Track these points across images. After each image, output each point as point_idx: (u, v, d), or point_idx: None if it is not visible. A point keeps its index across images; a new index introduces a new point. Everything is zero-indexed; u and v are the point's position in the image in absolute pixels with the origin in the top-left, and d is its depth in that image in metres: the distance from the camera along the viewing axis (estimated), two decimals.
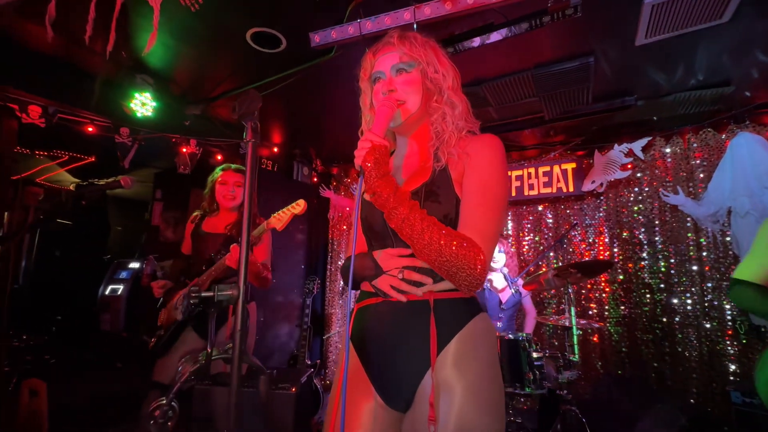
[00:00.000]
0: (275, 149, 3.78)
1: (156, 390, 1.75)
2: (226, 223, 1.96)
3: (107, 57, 1.22)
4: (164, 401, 0.71)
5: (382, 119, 0.84)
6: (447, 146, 0.87)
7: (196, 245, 1.97)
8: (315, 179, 4.34)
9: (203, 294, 0.64)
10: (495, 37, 1.77)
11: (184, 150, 3.11)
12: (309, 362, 2.74)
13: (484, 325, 0.83)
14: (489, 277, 2.73)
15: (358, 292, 0.95)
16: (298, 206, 1.76)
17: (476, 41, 1.80)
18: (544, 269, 2.20)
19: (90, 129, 2.52)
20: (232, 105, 0.63)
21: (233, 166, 2.02)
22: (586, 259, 3.20)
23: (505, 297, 2.65)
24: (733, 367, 2.66)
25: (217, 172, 2.01)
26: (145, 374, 1.88)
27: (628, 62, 2.27)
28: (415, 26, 1.75)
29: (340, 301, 4.16)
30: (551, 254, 3.34)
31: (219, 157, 3.44)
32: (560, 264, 3.19)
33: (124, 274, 5.02)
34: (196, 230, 1.99)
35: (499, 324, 2.59)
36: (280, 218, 1.73)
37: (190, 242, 2.02)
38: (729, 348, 2.68)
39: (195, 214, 2.05)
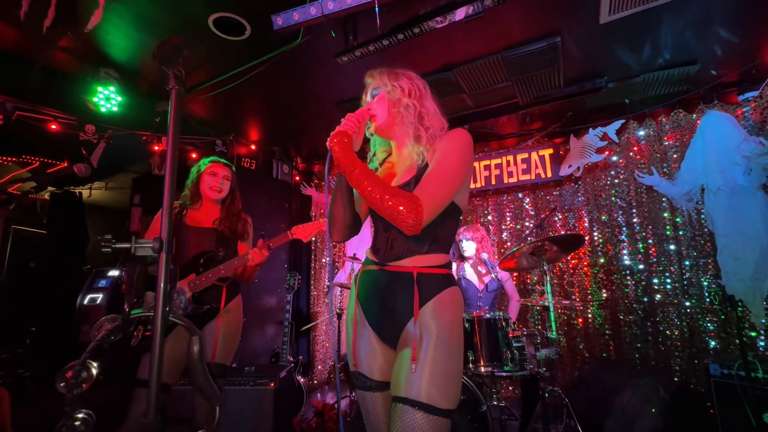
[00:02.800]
0: (253, 146, 3.73)
1: (143, 388, 1.67)
2: (212, 218, 1.90)
3: (44, 32, 1.16)
4: (76, 365, 0.66)
5: (347, 121, 1.10)
6: (422, 145, 1.10)
7: (183, 240, 1.87)
8: (297, 178, 4.30)
9: (118, 245, 0.60)
10: (459, 14, 1.77)
11: (156, 148, 3.04)
12: (291, 359, 2.68)
13: (456, 294, 1.09)
14: (463, 267, 2.72)
15: (341, 291, 1.07)
16: (324, 225, 1.84)
17: (440, 20, 1.79)
18: (518, 245, 2.22)
19: (53, 126, 2.44)
20: (152, 50, 0.60)
21: (221, 159, 1.98)
22: (571, 256, 3.22)
23: (487, 281, 2.63)
24: (713, 343, 2.68)
25: (205, 163, 1.94)
26: (128, 381, 1.79)
27: (595, 41, 2.29)
28: (377, 8, 1.73)
29: (326, 300, 4.11)
30: (531, 240, 3.34)
31: (194, 155, 3.37)
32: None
33: (103, 283, 4.87)
34: (178, 224, 1.89)
35: (479, 303, 2.56)
36: (305, 230, 1.88)
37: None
38: (709, 324, 2.70)
39: (174, 205, 1.93)
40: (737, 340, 2.33)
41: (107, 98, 2.33)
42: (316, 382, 3.86)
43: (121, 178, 5.17)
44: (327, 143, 1.04)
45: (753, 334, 2.56)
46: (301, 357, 3.11)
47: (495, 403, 2.05)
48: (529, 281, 3.39)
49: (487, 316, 1.80)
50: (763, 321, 2.52)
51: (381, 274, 1.11)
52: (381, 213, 0.99)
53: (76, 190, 5.32)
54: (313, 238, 4.31)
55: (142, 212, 4.48)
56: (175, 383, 1.74)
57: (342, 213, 1.16)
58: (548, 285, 1.91)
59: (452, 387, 0.97)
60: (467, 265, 2.69)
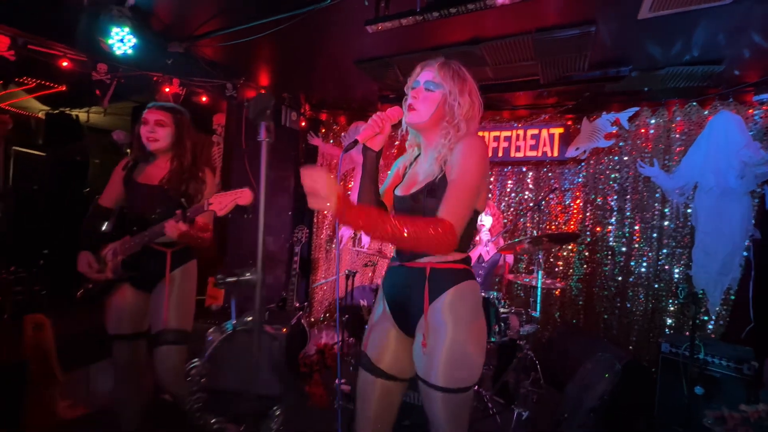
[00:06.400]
0: (262, 92, 3.63)
1: (118, 341, 1.73)
2: (160, 174, 1.72)
3: None
4: (198, 361, 0.85)
5: (372, 121, 1.13)
6: (446, 154, 1.13)
7: (129, 197, 1.75)
8: (303, 124, 4.25)
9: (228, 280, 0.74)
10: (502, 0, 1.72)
11: (167, 89, 2.97)
12: (297, 305, 2.96)
13: (472, 286, 1.18)
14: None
15: (344, 236, 1.18)
16: (243, 197, 1.54)
17: (482, 4, 1.75)
18: (520, 238, 2.42)
19: (65, 63, 2.36)
20: (245, 105, 0.67)
21: (159, 103, 1.77)
22: (560, 230, 3.43)
23: (488, 254, 2.84)
24: (669, 321, 3.06)
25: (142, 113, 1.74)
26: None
27: (628, 34, 2.25)
28: None
29: (327, 247, 4.35)
30: (528, 215, 3.54)
31: (204, 99, 3.30)
32: (535, 225, 3.42)
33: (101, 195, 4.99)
34: (128, 179, 1.74)
35: (478, 279, 2.82)
36: (221, 202, 1.54)
37: (116, 192, 1.78)
38: (670, 306, 3.05)
39: (126, 159, 1.80)
40: (691, 324, 2.68)
41: (122, 39, 2.24)
42: (313, 320, 4.26)
43: (120, 104, 5.00)
44: (329, 211, 0.99)
45: (705, 318, 2.93)
46: (306, 303, 3.42)
47: None
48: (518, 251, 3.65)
49: (483, 294, 2.04)
50: (717, 309, 2.87)
51: (401, 270, 1.21)
52: (416, 247, 1.08)
53: (73, 113, 5.15)
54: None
55: None
56: (146, 331, 1.77)
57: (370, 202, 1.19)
58: (539, 272, 2.14)
59: (468, 370, 1.10)
60: (483, 231, 2.87)
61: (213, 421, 1.63)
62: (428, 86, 1.15)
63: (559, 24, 2.17)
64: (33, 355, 2.14)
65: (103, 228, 1.82)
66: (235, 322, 1.03)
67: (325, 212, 1.01)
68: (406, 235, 0.99)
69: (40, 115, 5.28)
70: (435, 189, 1.12)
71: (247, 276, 0.73)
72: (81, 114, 5.28)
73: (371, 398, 1.21)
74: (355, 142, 1.10)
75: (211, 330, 1.09)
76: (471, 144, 1.10)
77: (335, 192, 0.92)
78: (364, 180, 1.20)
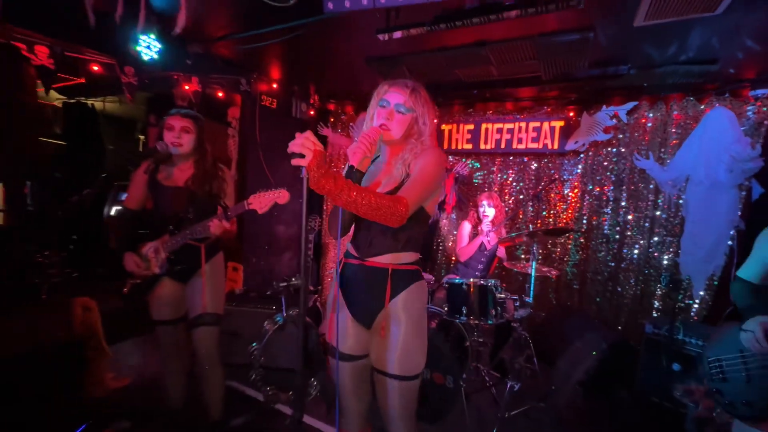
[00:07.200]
0: (275, 85, 3.77)
1: (160, 326, 1.95)
2: (186, 175, 1.87)
3: None
4: (257, 345, 1.08)
5: (361, 144, 1.21)
6: (411, 161, 1.29)
7: (157, 199, 1.88)
8: (312, 113, 4.40)
9: None
10: (509, 15, 1.85)
11: (187, 87, 3.13)
12: (312, 288, 3.22)
13: (422, 287, 1.36)
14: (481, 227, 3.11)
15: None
16: (282, 197, 1.71)
17: (486, 18, 1.88)
18: (520, 232, 2.63)
19: (95, 68, 2.53)
20: (269, 161, 0.85)
21: (182, 110, 1.89)
22: (559, 218, 3.62)
23: (490, 243, 3.04)
24: (657, 304, 3.29)
25: (166, 117, 1.87)
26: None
27: (625, 38, 2.36)
28: None
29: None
30: (528, 204, 3.73)
31: (220, 94, 3.46)
32: (535, 214, 3.61)
33: (125, 196, 5.24)
34: (152, 182, 1.87)
35: (480, 266, 3.05)
36: (261, 201, 1.70)
37: (140, 195, 1.93)
38: (657, 291, 3.28)
39: (147, 162, 1.90)
40: (674, 307, 2.92)
41: (148, 46, 2.40)
42: (324, 299, 4.56)
43: (137, 95, 5.15)
44: (302, 162, 1.04)
45: (690, 302, 3.15)
46: (319, 286, 3.69)
47: (474, 338, 2.65)
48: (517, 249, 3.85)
49: (482, 282, 2.27)
50: (702, 293, 3.10)
51: (360, 267, 1.31)
52: (370, 215, 1.12)
53: (89, 102, 5.31)
54: None
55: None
56: (183, 315, 1.98)
57: (347, 216, 1.34)
58: (534, 262, 2.36)
59: (418, 360, 1.28)
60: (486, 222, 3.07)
61: (268, 389, 1.93)
62: (399, 109, 1.28)
63: (559, 30, 2.29)
64: (83, 334, 2.43)
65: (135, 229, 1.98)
66: (285, 315, 1.30)
67: (302, 175, 1.02)
68: (366, 201, 1.09)
69: (57, 103, 5.45)
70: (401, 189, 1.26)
71: (294, 281, 0.94)
72: (97, 103, 5.45)
73: (345, 380, 1.36)
74: (351, 167, 1.19)
75: (266, 321, 1.38)
76: (434, 154, 1.28)
77: (313, 149, 1.02)
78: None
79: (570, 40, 2.34)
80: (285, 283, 0.93)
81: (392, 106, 1.28)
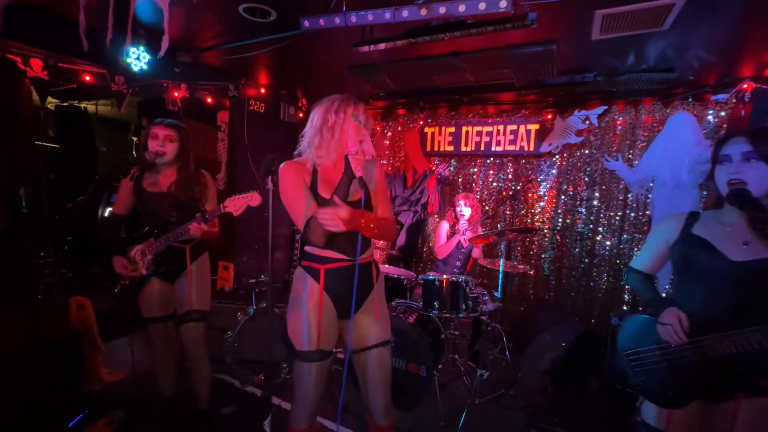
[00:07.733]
0: (263, 90, 3.90)
1: (152, 323, 2.06)
2: (169, 181, 1.96)
3: None
4: (231, 334, 1.23)
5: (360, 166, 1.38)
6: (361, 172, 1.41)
7: (143, 204, 1.99)
8: (300, 115, 4.53)
9: None
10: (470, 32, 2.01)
11: (176, 94, 3.26)
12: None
13: (382, 274, 1.64)
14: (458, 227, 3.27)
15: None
16: (253, 199, 1.79)
17: (451, 35, 2.03)
18: (489, 231, 2.79)
19: (87, 78, 2.66)
20: (257, 164, 1.01)
21: (166, 120, 1.97)
22: (534, 218, 3.79)
23: (466, 242, 3.20)
24: (627, 297, 3.48)
25: (150, 126, 1.96)
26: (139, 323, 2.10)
27: (587, 49, 2.53)
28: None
29: None
30: (507, 203, 3.89)
31: (209, 99, 3.59)
32: (513, 213, 3.78)
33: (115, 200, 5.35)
34: (138, 188, 1.95)
35: (458, 263, 3.21)
36: (235, 204, 1.78)
37: (128, 200, 2.03)
38: (627, 286, 3.46)
39: (133, 170, 1.97)
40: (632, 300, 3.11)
41: (138, 57, 2.53)
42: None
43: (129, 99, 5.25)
44: (334, 228, 1.27)
45: None
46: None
47: (451, 331, 2.81)
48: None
49: (454, 278, 2.43)
50: (667, 287, 3.28)
51: (351, 267, 1.42)
52: (380, 236, 1.43)
53: (81, 105, 5.41)
54: None
55: None
56: (172, 312, 2.09)
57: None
58: (502, 259, 2.53)
59: (389, 323, 1.59)
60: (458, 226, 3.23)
61: (242, 372, 2.08)
62: (367, 127, 1.46)
63: (525, 42, 2.45)
64: (79, 331, 2.57)
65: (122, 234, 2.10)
66: (255, 307, 1.47)
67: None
68: (377, 226, 1.39)
69: (50, 106, 5.54)
70: (367, 200, 1.45)
71: (262, 278, 1.09)
72: (89, 106, 5.55)
73: (313, 378, 1.44)
74: (353, 176, 1.35)
75: (239, 313, 1.56)
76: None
77: (358, 217, 1.31)
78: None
79: (536, 51, 2.50)
80: (254, 280, 1.06)
81: (364, 125, 1.43)
